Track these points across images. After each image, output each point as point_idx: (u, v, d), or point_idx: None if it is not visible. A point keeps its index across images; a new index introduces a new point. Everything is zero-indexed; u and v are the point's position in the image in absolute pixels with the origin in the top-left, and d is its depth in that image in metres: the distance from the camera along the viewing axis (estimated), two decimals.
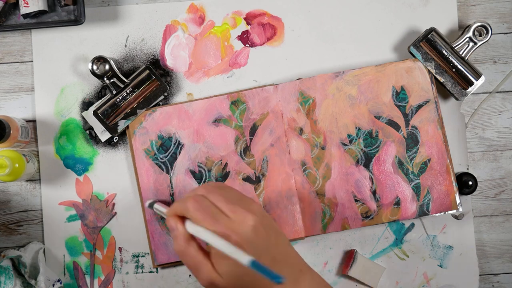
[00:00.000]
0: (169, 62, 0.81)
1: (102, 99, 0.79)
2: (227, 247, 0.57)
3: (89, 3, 0.80)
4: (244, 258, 0.54)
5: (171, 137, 0.79)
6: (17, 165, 0.74)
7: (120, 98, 0.78)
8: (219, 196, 0.61)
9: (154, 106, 0.79)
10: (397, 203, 0.78)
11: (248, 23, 0.81)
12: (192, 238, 0.62)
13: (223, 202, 0.61)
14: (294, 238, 0.78)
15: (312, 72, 0.81)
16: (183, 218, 0.63)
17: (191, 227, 0.61)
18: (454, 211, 0.79)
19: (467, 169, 0.81)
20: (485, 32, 0.78)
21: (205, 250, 0.62)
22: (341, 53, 0.81)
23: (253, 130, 0.79)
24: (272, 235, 0.61)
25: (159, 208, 0.72)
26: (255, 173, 0.78)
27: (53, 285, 0.77)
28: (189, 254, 0.61)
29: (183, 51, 0.81)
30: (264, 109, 0.79)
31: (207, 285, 0.61)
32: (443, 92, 0.81)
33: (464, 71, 0.78)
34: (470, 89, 0.78)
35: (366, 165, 0.78)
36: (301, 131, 0.79)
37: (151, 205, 0.75)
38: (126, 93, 0.78)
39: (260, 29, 0.81)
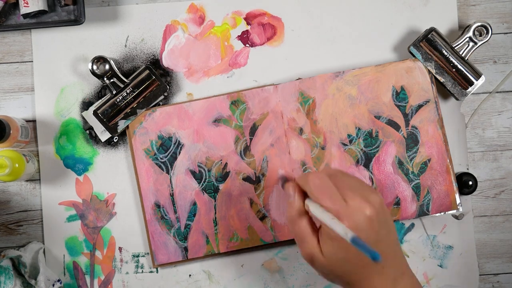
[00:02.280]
0: (169, 62, 0.81)
1: (102, 99, 0.79)
2: (334, 222, 0.57)
3: (89, 3, 0.80)
4: (349, 233, 0.54)
5: (171, 137, 0.79)
6: (17, 165, 0.74)
7: (120, 98, 0.78)
8: (341, 181, 0.62)
9: (154, 106, 0.79)
10: (397, 203, 0.78)
11: (248, 23, 0.81)
12: (305, 210, 0.63)
13: (344, 188, 0.61)
14: (294, 238, 0.78)
15: (312, 72, 0.81)
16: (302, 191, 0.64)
17: (309, 203, 0.62)
18: (454, 211, 0.79)
19: (467, 169, 0.81)
20: (485, 32, 0.78)
21: (315, 225, 0.63)
22: (341, 53, 0.81)
23: (253, 130, 0.79)
24: (384, 230, 0.61)
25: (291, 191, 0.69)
26: (255, 173, 0.78)
27: (53, 285, 0.77)
28: (298, 224, 0.63)
29: (183, 51, 0.81)
30: (264, 109, 0.79)
31: (307, 258, 0.63)
32: (443, 92, 0.81)
33: (464, 71, 0.78)
34: (470, 89, 0.78)
35: (366, 165, 0.78)
36: (301, 131, 0.79)
37: (283, 182, 0.74)
38: (126, 93, 0.78)
39: (260, 29, 0.81)
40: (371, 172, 0.78)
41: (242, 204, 0.78)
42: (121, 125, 0.78)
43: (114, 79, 0.78)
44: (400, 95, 0.79)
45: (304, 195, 0.64)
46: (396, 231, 0.65)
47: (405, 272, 0.63)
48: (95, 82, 0.80)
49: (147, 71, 0.78)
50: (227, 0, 0.81)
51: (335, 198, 0.60)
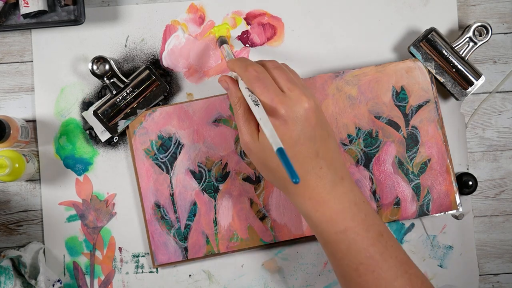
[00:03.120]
0: (169, 62, 0.81)
1: (102, 99, 0.79)
2: (265, 121, 0.55)
3: (89, 3, 0.80)
4: (275, 142, 0.52)
5: (171, 137, 0.79)
6: (17, 165, 0.74)
7: (120, 98, 0.78)
8: (282, 73, 0.60)
9: (154, 106, 0.79)
10: (397, 203, 0.78)
11: (248, 23, 0.81)
12: (244, 99, 0.62)
13: (284, 79, 0.59)
14: (294, 238, 0.78)
15: (312, 72, 0.81)
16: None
17: (241, 88, 0.61)
18: (454, 211, 0.79)
19: (467, 169, 0.81)
20: (485, 32, 0.78)
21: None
22: (341, 53, 0.81)
23: None
24: (321, 130, 0.60)
25: (227, 50, 0.73)
26: (255, 173, 0.78)
27: (53, 285, 0.77)
28: (237, 112, 0.62)
29: (183, 51, 0.81)
30: None
31: (243, 147, 0.63)
32: (443, 92, 0.81)
33: (464, 71, 0.78)
34: (470, 89, 0.78)
35: (366, 165, 0.78)
36: None
37: (222, 42, 0.76)
38: (126, 93, 0.78)
39: (260, 29, 0.81)
40: (371, 172, 0.78)
41: (242, 204, 0.78)
42: (121, 125, 0.78)
43: (114, 79, 0.78)
44: (400, 95, 0.79)
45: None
46: (336, 140, 0.64)
47: (344, 177, 0.62)
48: (95, 82, 0.80)
49: (147, 71, 0.78)
50: (227, 0, 0.81)
51: (270, 87, 0.58)
